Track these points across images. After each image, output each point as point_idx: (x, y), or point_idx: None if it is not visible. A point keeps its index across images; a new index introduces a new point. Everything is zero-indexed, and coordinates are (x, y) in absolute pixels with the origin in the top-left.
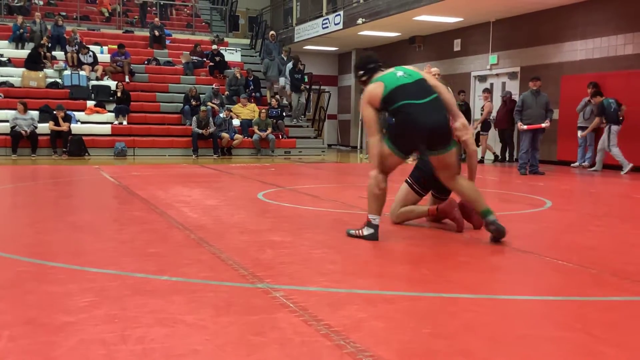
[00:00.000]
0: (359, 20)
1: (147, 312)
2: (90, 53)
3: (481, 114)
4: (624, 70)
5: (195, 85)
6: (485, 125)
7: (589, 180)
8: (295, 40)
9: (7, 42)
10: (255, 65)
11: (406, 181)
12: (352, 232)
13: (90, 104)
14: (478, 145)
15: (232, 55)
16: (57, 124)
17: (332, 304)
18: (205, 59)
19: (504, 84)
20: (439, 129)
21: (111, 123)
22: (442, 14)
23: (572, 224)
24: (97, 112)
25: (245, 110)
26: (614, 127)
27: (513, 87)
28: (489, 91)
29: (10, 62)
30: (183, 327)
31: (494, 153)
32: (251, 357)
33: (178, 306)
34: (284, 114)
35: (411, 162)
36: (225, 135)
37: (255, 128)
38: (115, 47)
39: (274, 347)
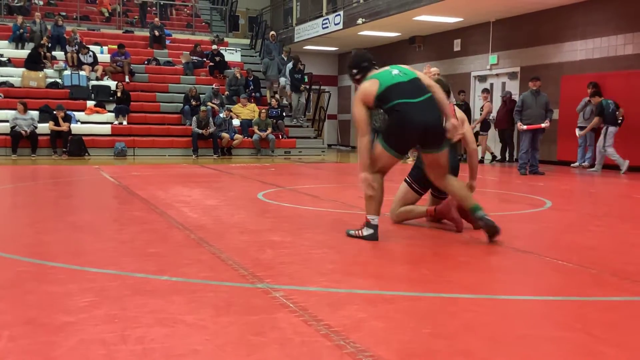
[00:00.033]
0: (359, 20)
1: (147, 312)
2: (90, 53)
3: (480, 114)
4: (624, 70)
5: (195, 85)
6: (485, 125)
7: (589, 181)
8: (295, 40)
9: (7, 42)
10: (255, 65)
11: (405, 180)
12: (352, 232)
13: (90, 104)
14: (477, 145)
15: (232, 55)
16: (57, 124)
17: (332, 304)
18: (205, 59)
19: (504, 84)
20: (433, 127)
21: (111, 123)
22: (442, 14)
23: (572, 224)
24: (97, 112)
25: (245, 110)
26: (611, 129)
27: (513, 87)
28: (488, 91)
29: (10, 62)
30: (183, 327)
31: (492, 153)
32: (251, 357)
33: (178, 306)
34: (284, 114)
35: (410, 161)
36: (225, 135)
37: (255, 128)
38: (115, 47)
39: (274, 347)
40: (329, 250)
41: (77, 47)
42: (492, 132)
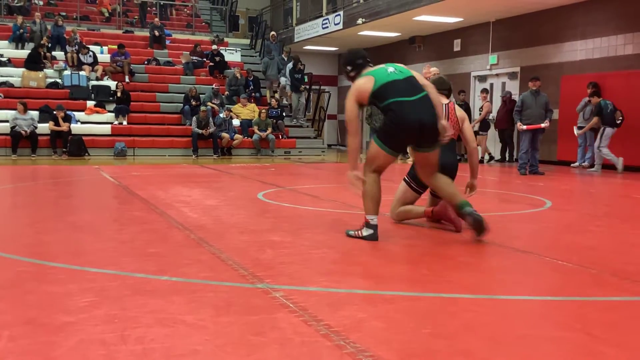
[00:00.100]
0: (359, 21)
1: (147, 312)
2: (90, 53)
3: (480, 114)
4: (624, 70)
5: (195, 86)
6: (484, 125)
7: (589, 181)
8: (295, 40)
9: (7, 42)
10: (255, 65)
11: (404, 179)
12: (352, 233)
13: (90, 104)
14: (477, 145)
15: (232, 56)
16: (57, 124)
17: (332, 304)
18: (205, 59)
19: (503, 84)
20: (429, 126)
21: (111, 123)
22: (442, 14)
23: (572, 224)
24: (97, 112)
25: (245, 110)
26: (608, 129)
27: (513, 87)
28: (487, 91)
29: (10, 62)
30: (183, 327)
31: (489, 154)
32: (251, 357)
33: (178, 306)
34: (283, 114)
35: (410, 161)
36: (225, 135)
37: (255, 128)
38: (115, 47)
39: (273, 347)
40: (329, 250)
41: (77, 47)
42: (492, 132)
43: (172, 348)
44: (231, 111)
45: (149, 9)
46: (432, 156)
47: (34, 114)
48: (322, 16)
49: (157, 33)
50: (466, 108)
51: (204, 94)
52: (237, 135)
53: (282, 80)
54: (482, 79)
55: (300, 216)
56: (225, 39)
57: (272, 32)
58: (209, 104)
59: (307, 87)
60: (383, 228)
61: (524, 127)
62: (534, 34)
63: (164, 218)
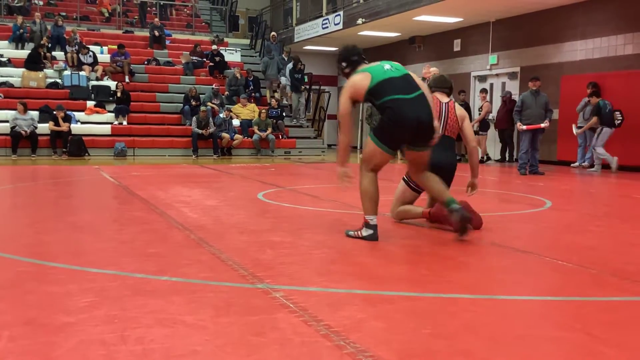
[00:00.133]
0: (359, 21)
1: (147, 313)
2: (90, 53)
3: (479, 114)
4: (623, 70)
5: (195, 86)
6: (484, 125)
7: (589, 181)
8: (295, 40)
9: (7, 42)
10: (255, 66)
11: (403, 179)
12: (351, 233)
13: (90, 104)
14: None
15: (232, 56)
16: (57, 124)
17: (332, 304)
18: (205, 59)
19: (503, 84)
20: (426, 124)
21: (111, 123)
22: (442, 14)
23: (572, 224)
24: (97, 112)
25: (245, 111)
26: (606, 129)
27: (513, 87)
28: (486, 91)
29: (10, 63)
30: (183, 328)
31: (486, 154)
32: (251, 358)
33: (178, 306)
34: (284, 114)
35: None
36: (225, 135)
37: (255, 128)
38: (115, 47)
39: (273, 347)
40: (329, 250)
41: (77, 47)
42: (492, 132)
43: (172, 348)
44: (231, 111)
45: (148, 9)
46: (424, 154)
47: (34, 114)
48: (322, 16)
49: (157, 33)
50: (466, 108)
51: (204, 94)
52: (237, 136)
53: (283, 80)
54: (482, 79)
55: (300, 216)
56: (225, 39)
57: (273, 33)
58: (209, 104)
59: (307, 87)
60: (383, 228)
61: (524, 127)
62: (534, 34)
63: (164, 218)
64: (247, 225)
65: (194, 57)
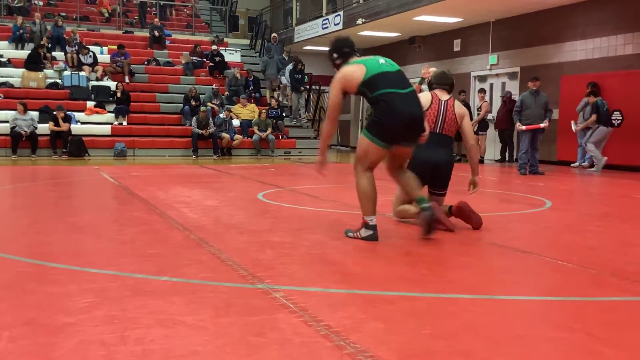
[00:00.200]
0: (359, 21)
1: (147, 313)
2: (90, 53)
3: (478, 114)
4: (623, 70)
5: (195, 86)
6: (483, 125)
7: (589, 181)
8: (295, 40)
9: (7, 42)
10: (255, 66)
11: None
12: (351, 234)
13: (90, 104)
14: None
15: (231, 56)
16: (57, 124)
17: (332, 304)
18: (205, 60)
19: (503, 84)
20: (418, 120)
21: (111, 123)
22: (442, 14)
23: (572, 224)
24: (97, 112)
25: (245, 111)
26: (602, 128)
27: (513, 87)
28: (484, 91)
29: (10, 63)
30: (183, 328)
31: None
32: (251, 358)
33: (178, 307)
34: (283, 114)
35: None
36: (225, 135)
37: (255, 128)
38: (115, 47)
39: (273, 347)
40: (329, 250)
41: (77, 47)
42: (492, 133)
43: (171, 349)
44: (231, 111)
45: (148, 9)
46: (408, 151)
47: (34, 114)
48: (322, 16)
49: (157, 33)
50: (467, 108)
51: (204, 94)
52: (237, 136)
53: (283, 79)
54: (482, 79)
55: (300, 216)
56: (225, 39)
57: (274, 34)
58: (209, 104)
59: (307, 87)
60: (382, 228)
61: (523, 127)
62: (534, 34)
63: (164, 219)
64: (247, 225)
65: (194, 58)
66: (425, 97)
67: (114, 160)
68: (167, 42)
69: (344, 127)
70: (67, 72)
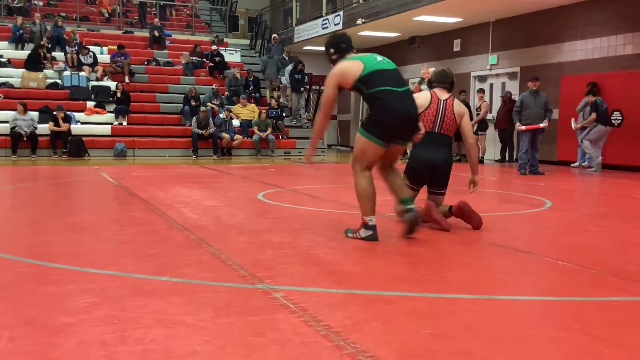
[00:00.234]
0: (359, 21)
1: (147, 313)
2: (90, 54)
3: (478, 114)
4: (623, 70)
5: (195, 86)
6: (483, 124)
7: (589, 181)
8: (295, 40)
9: (7, 42)
10: (255, 66)
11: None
12: (350, 234)
13: (90, 104)
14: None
15: (231, 56)
16: (57, 124)
17: (332, 304)
18: (205, 60)
19: (503, 84)
20: (414, 119)
21: (111, 124)
22: (441, 14)
23: (572, 224)
24: (97, 112)
25: (245, 111)
26: (600, 127)
27: (513, 87)
28: (483, 91)
29: (10, 63)
30: (183, 328)
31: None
32: (251, 358)
33: (178, 307)
34: (283, 114)
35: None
36: (225, 135)
37: (255, 128)
38: (115, 47)
39: (273, 347)
40: (329, 250)
41: (76, 47)
42: (491, 132)
43: (171, 349)
44: (231, 111)
45: (148, 9)
46: (400, 149)
47: (34, 114)
48: (321, 16)
49: (156, 33)
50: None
51: (204, 94)
52: (237, 136)
53: (283, 80)
54: (482, 79)
55: (300, 217)
56: (225, 40)
57: (274, 35)
58: (209, 104)
59: (307, 87)
60: (382, 228)
61: (522, 127)
62: (534, 34)
63: (164, 219)
64: (247, 225)
65: (194, 58)
66: (424, 97)
67: (114, 160)
68: (167, 42)
69: (344, 127)
70: (67, 73)
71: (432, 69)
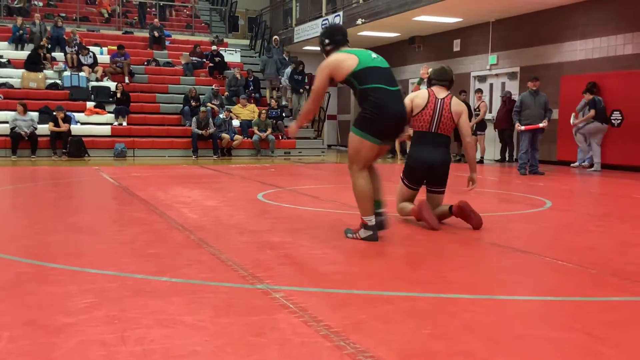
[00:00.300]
0: (359, 21)
1: (147, 313)
2: (90, 54)
3: (477, 114)
4: (623, 70)
5: (195, 86)
6: (481, 125)
7: (589, 181)
8: (295, 40)
9: (6, 43)
10: (254, 66)
11: (400, 177)
12: (350, 235)
13: (90, 105)
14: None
15: (231, 56)
16: (56, 125)
17: (332, 304)
18: (204, 60)
19: (503, 84)
20: (404, 119)
21: (111, 124)
22: (441, 14)
23: (572, 224)
24: (97, 113)
25: (245, 111)
26: (596, 123)
27: (513, 87)
28: (481, 91)
29: (10, 64)
30: (183, 328)
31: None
32: (251, 358)
33: (178, 307)
34: (283, 114)
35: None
36: (225, 136)
37: (255, 129)
38: (115, 48)
39: (273, 347)
40: (329, 250)
41: (76, 48)
42: (490, 132)
43: (171, 349)
44: (231, 112)
45: (148, 9)
46: (384, 148)
47: (34, 115)
48: (321, 17)
49: (156, 34)
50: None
51: (204, 94)
52: (237, 136)
53: (283, 81)
54: (482, 79)
55: (300, 217)
56: (225, 40)
57: (275, 36)
58: (209, 104)
59: (307, 87)
60: None
61: (522, 127)
62: (534, 34)
63: (164, 219)
64: (247, 225)
65: (194, 58)
66: (422, 96)
67: (113, 160)
68: (167, 43)
69: (344, 127)
70: (66, 73)
71: (431, 69)
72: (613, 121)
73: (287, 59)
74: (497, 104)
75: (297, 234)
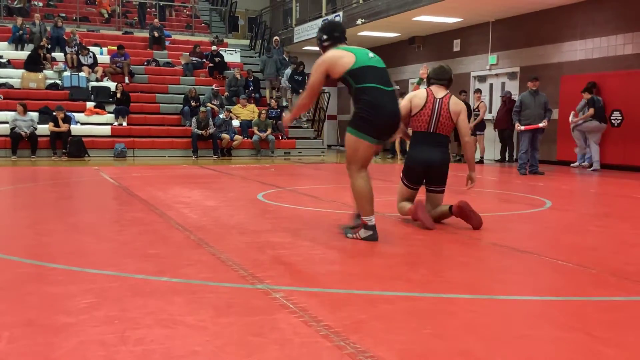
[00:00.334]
0: (359, 21)
1: (147, 313)
2: (90, 54)
3: (476, 114)
4: (623, 70)
5: (195, 86)
6: (480, 125)
7: (589, 180)
8: (295, 40)
9: (6, 43)
10: (254, 66)
11: (400, 177)
12: (350, 235)
13: (90, 105)
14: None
15: (231, 56)
16: (56, 125)
17: (332, 304)
18: (204, 60)
19: (503, 84)
20: (398, 119)
21: (111, 124)
22: (441, 14)
23: (572, 224)
24: (97, 113)
25: (245, 111)
26: (595, 122)
27: (513, 87)
28: (480, 91)
29: (9, 64)
30: (183, 328)
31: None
32: (251, 358)
33: (178, 307)
34: (283, 114)
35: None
36: (225, 136)
37: (255, 129)
38: (115, 48)
39: (273, 347)
40: (329, 250)
41: (76, 48)
42: (489, 132)
43: (172, 349)
44: (231, 112)
45: (148, 10)
46: (377, 148)
47: (34, 115)
48: (321, 17)
49: (156, 34)
50: (467, 108)
51: (204, 94)
52: (236, 136)
53: (283, 82)
54: (482, 79)
55: (300, 217)
56: (225, 40)
57: (275, 37)
58: (209, 104)
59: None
60: (382, 228)
61: (522, 127)
62: (534, 34)
63: (164, 219)
64: (247, 225)
65: (194, 58)
66: (420, 96)
67: (113, 160)
68: (167, 43)
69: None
70: (66, 73)
71: (430, 69)
72: (613, 121)
73: (287, 59)
74: (497, 104)
75: (297, 234)
